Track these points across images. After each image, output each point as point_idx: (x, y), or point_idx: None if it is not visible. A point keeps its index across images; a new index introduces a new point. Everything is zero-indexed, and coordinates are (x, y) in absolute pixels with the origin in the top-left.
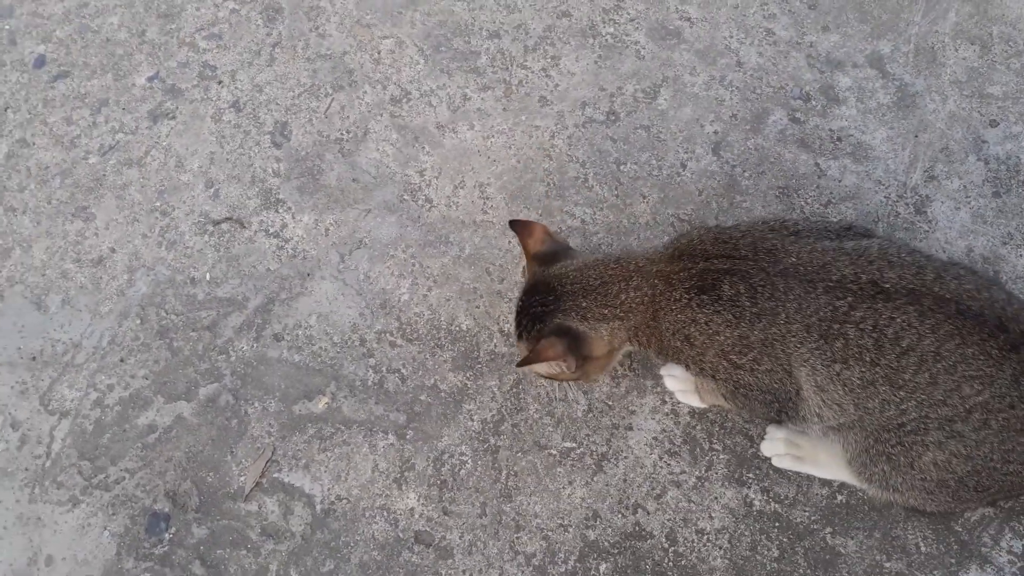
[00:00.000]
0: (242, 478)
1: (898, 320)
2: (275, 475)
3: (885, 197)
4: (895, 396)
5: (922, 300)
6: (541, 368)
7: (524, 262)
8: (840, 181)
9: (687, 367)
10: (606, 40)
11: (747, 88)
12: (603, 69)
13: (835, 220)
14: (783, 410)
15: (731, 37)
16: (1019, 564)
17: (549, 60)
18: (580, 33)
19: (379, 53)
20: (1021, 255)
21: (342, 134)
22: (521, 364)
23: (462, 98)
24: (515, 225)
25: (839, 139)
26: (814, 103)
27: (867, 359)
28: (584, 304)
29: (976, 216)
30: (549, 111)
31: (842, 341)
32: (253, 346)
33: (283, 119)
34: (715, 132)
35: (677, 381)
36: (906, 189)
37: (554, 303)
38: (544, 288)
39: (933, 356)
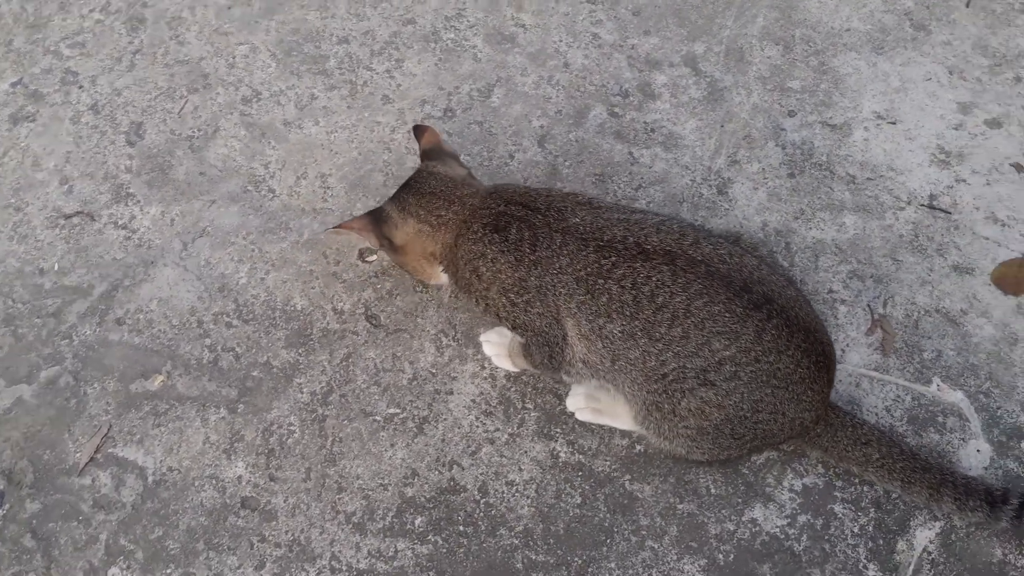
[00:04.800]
0: (78, 455)
1: (654, 279)
2: (110, 450)
3: (691, 180)
4: (653, 348)
5: (676, 261)
6: (351, 237)
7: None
8: (651, 167)
9: (477, 303)
10: (447, 44)
11: (572, 87)
12: (443, 71)
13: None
14: (554, 355)
15: (560, 41)
16: (799, 500)
17: (393, 63)
18: (423, 38)
19: (234, 58)
20: (810, 228)
21: (193, 132)
22: (329, 229)
23: (309, 97)
24: (416, 129)
25: (652, 130)
26: (632, 99)
27: (627, 313)
28: (409, 200)
29: (772, 195)
30: (391, 108)
31: (606, 296)
32: (96, 330)
33: (139, 120)
34: (541, 127)
35: (493, 346)
36: (710, 173)
37: (399, 191)
38: (407, 179)
39: (684, 312)
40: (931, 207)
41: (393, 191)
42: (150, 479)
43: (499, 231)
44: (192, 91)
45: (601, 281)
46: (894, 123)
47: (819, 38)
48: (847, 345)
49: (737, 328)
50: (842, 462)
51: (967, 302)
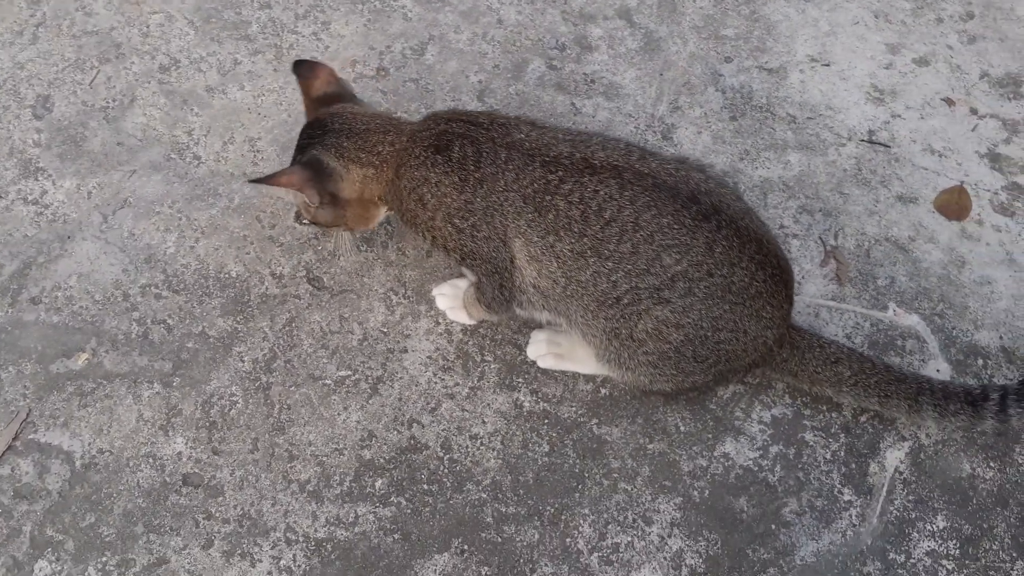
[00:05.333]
0: None
1: (601, 192)
2: (31, 436)
3: (635, 127)
4: (604, 267)
5: (623, 175)
6: (288, 196)
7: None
8: (594, 117)
9: (423, 236)
10: (374, 5)
11: (508, 42)
12: (372, 31)
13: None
14: (504, 283)
15: None
16: (769, 432)
17: (320, 25)
18: (350, 0)
19: (147, 27)
20: (756, 167)
21: (108, 102)
22: (254, 181)
23: (232, 63)
24: (299, 66)
25: (592, 81)
26: (569, 51)
27: (575, 230)
28: (345, 144)
29: (716, 138)
30: None
31: (553, 213)
32: (8, 312)
33: (45, 92)
34: (479, 81)
35: (447, 299)
36: (654, 120)
37: (320, 137)
38: (317, 124)
39: (632, 226)
40: (871, 142)
41: (306, 129)
42: (78, 463)
43: (441, 151)
44: (104, 62)
45: (548, 198)
46: (828, 65)
47: None
48: (803, 277)
49: (687, 240)
50: (814, 385)
51: (914, 229)
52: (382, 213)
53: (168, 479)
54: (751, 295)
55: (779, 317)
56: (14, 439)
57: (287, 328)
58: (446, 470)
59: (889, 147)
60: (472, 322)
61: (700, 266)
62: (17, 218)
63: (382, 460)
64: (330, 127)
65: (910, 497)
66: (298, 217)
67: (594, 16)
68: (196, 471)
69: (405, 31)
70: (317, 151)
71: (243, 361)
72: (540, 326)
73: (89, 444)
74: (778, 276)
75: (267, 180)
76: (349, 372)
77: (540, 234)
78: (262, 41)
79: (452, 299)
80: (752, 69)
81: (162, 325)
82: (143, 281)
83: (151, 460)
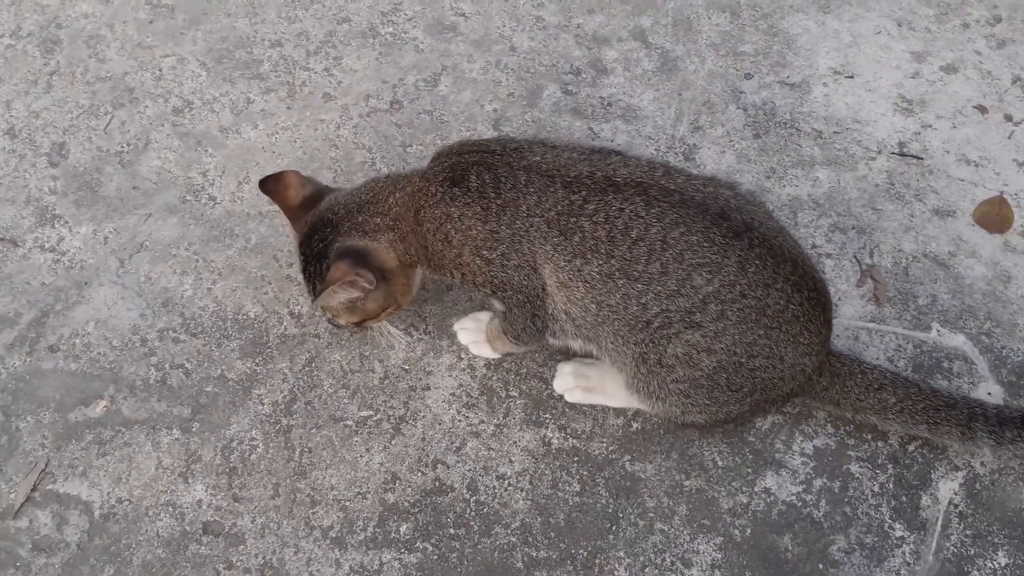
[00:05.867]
0: (12, 495)
1: (627, 211)
2: (49, 487)
3: (656, 149)
4: (633, 289)
5: (648, 191)
6: (340, 298)
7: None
8: (613, 140)
9: (452, 275)
10: (386, 39)
11: (521, 69)
12: (384, 64)
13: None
14: (536, 312)
15: (504, 26)
16: (812, 464)
17: (331, 61)
18: (360, 35)
19: (160, 71)
20: (784, 185)
21: (122, 147)
22: (316, 298)
23: (245, 102)
24: (265, 183)
25: (609, 104)
26: (584, 76)
27: (603, 251)
28: (360, 219)
29: (740, 157)
30: (333, 105)
31: (579, 235)
32: (26, 360)
33: (60, 140)
34: (494, 110)
35: (469, 333)
36: (674, 140)
37: (332, 232)
38: (318, 225)
39: (661, 244)
40: (902, 154)
41: (309, 239)
42: (96, 514)
43: (457, 183)
44: (118, 107)
45: (573, 220)
46: (852, 77)
47: (765, 2)
48: (839, 299)
49: (718, 259)
50: (858, 414)
51: (953, 244)
52: (419, 275)
53: (188, 528)
54: (787, 319)
55: (817, 343)
56: (32, 490)
57: (307, 368)
58: (473, 513)
59: (922, 159)
60: (496, 356)
61: (732, 287)
62: (35, 266)
63: (406, 503)
64: (334, 218)
65: (967, 531)
66: (333, 321)
67: (608, 39)
68: (216, 519)
69: (417, 63)
70: (340, 243)
71: (263, 404)
72: (568, 357)
73: (108, 493)
74: (815, 299)
75: (322, 291)
76: (371, 412)
77: (567, 258)
78: (274, 79)
79: (475, 333)
80: (774, 85)
81: (180, 369)
82: (161, 325)
83: (171, 509)
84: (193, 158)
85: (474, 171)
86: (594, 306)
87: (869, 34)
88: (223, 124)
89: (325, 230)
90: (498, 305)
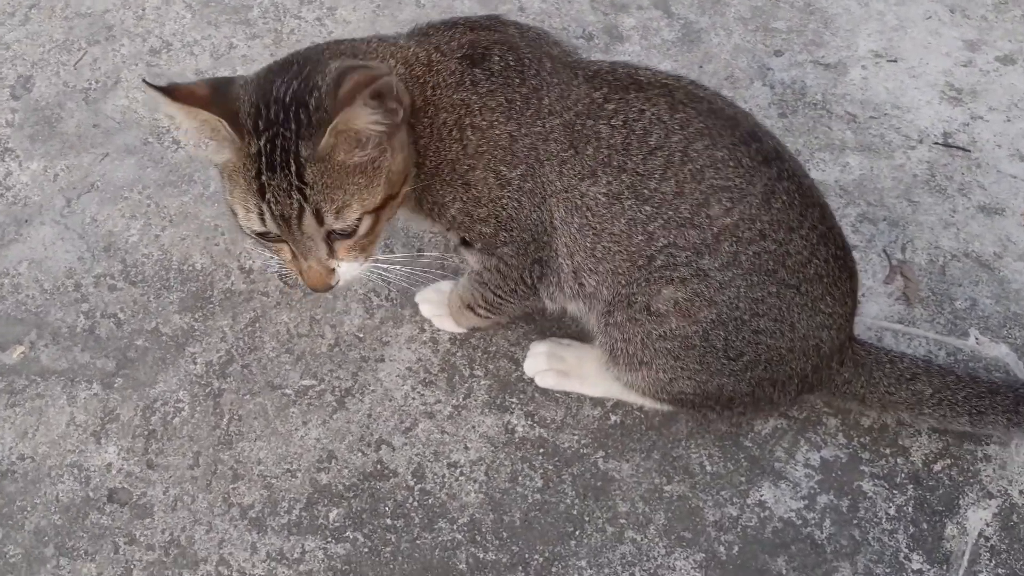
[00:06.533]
0: None
1: (648, 113)
2: None
3: None
4: (640, 212)
5: (674, 94)
6: (365, 123)
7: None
8: None
9: (443, 206)
10: None
11: None
12: (381, 17)
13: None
14: (538, 258)
15: None
16: (817, 477)
17: (325, 10)
18: None
19: (144, 9)
20: (810, 169)
21: (90, 84)
22: (328, 125)
23: (227, 47)
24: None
25: None
26: (597, 41)
27: (615, 164)
28: (356, 62)
29: None
30: None
31: (594, 145)
32: None
33: (28, 73)
34: None
35: (432, 305)
36: None
37: (314, 66)
38: (281, 70)
39: (681, 156)
40: (946, 145)
41: (271, 86)
42: None
43: (477, 63)
44: (92, 43)
45: (591, 122)
46: (895, 61)
47: None
48: (863, 295)
49: (743, 184)
50: (886, 410)
51: (1000, 245)
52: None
53: (92, 494)
54: (808, 276)
55: (840, 316)
56: None
57: (250, 328)
58: (416, 503)
59: (969, 151)
60: (462, 330)
61: (753, 223)
62: None
63: (340, 486)
64: (322, 55)
65: (1000, 570)
66: (284, 278)
67: (627, 5)
68: (125, 486)
69: (417, 17)
70: (338, 65)
71: (195, 363)
72: (543, 337)
73: (10, 449)
74: (842, 261)
75: (341, 109)
76: (314, 381)
77: (576, 179)
78: (262, 26)
79: (439, 306)
80: (806, 64)
81: (112, 319)
82: (98, 270)
83: (75, 471)
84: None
85: (496, 50)
86: (593, 238)
87: (918, 18)
88: (200, 67)
89: (301, 65)
90: (473, 261)
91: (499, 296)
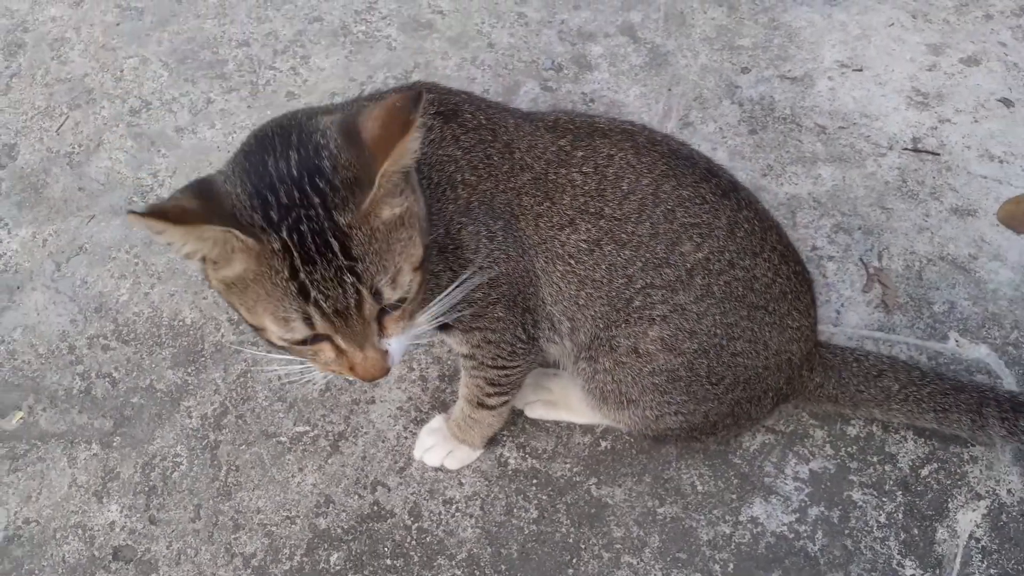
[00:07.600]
0: None
1: (617, 158)
2: None
3: None
4: (620, 256)
5: (636, 138)
6: (412, 154)
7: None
8: None
9: (430, 275)
10: (357, 37)
11: (499, 65)
12: (354, 63)
13: None
14: (528, 308)
15: (483, 23)
16: (807, 490)
17: (299, 60)
18: (331, 34)
19: (122, 71)
20: (782, 183)
21: (73, 148)
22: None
23: (205, 102)
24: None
25: (592, 100)
26: (566, 71)
27: (592, 211)
28: (356, 106)
29: (734, 153)
30: (296, 103)
31: (570, 193)
32: None
33: (12, 141)
34: None
35: (437, 447)
36: None
37: (305, 125)
38: (281, 128)
39: (652, 199)
40: (916, 150)
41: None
42: (0, 536)
43: (450, 120)
44: (74, 107)
45: (563, 171)
46: (860, 70)
47: None
48: (842, 305)
49: (709, 219)
50: (859, 408)
51: (974, 246)
52: None
53: (97, 553)
54: (775, 295)
55: (806, 327)
56: None
57: (241, 379)
58: (414, 541)
59: (938, 155)
60: (478, 454)
61: (721, 254)
62: None
63: (339, 530)
64: (296, 118)
65: (992, 570)
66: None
67: (594, 34)
68: (129, 543)
69: (389, 60)
70: (338, 116)
71: (191, 417)
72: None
73: (15, 514)
74: (802, 275)
75: (399, 142)
76: (307, 427)
77: (554, 229)
78: (238, 79)
79: (443, 442)
80: (773, 79)
81: (107, 379)
82: (91, 332)
83: (80, 531)
84: (145, 159)
85: (466, 107)
86: (576, 285)
87: (880, 26)
88: (180, 124)
89: (284, 135)
90: (456, 343)
91: (501, 367)
